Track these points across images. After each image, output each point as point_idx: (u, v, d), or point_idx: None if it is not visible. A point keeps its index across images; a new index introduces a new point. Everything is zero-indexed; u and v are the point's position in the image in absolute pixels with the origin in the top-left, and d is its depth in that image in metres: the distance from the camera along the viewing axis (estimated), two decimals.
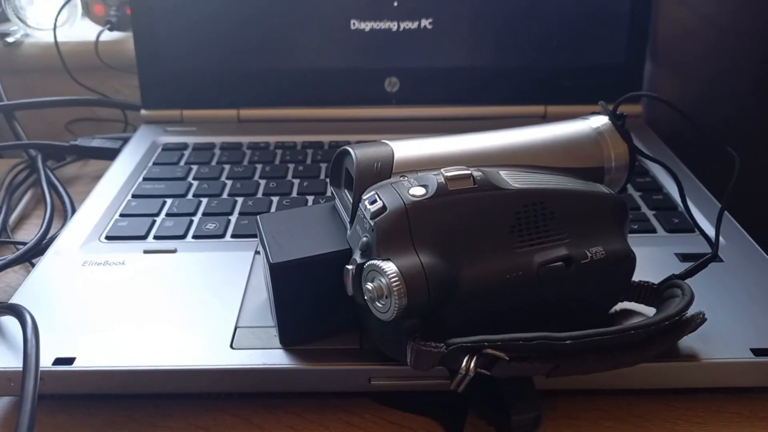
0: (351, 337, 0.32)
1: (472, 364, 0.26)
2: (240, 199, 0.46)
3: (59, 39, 0.67)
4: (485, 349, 0.26)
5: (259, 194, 0.47)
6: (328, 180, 0.48)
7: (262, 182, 0.48)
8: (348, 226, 0.30)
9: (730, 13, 0.48)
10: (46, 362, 0.30)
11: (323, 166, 0.51)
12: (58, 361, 0.31)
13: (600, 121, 0.34)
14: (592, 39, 0.56)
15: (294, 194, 0.47)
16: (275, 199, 0.46)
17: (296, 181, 0.48)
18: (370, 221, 0.27)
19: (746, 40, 0.47)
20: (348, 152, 0.31)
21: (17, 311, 0.30)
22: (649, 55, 0.57)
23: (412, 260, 0.26)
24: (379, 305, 0.26)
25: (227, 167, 0.50)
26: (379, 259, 0.26)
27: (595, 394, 0.32)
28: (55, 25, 0.67)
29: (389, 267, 0.26)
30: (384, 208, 0.27)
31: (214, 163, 0.51)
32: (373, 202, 0.28)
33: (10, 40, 0.69)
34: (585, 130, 0.33)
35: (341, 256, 0.29)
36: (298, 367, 0.31)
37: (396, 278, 0.25)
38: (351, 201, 0.30)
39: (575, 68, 0.57)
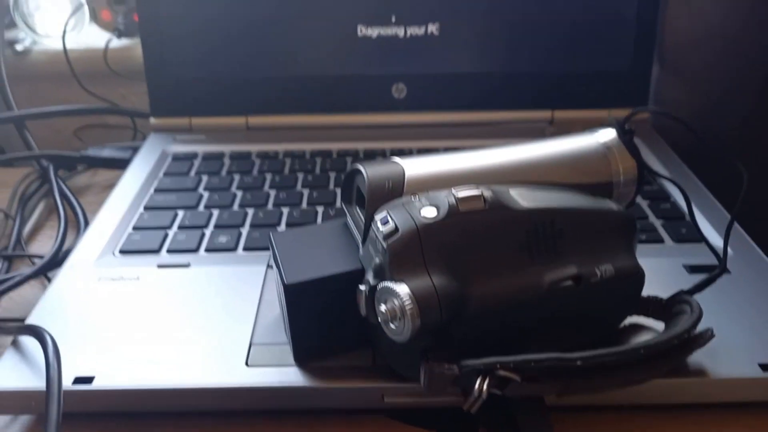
0: (364, 354, 0.32)
1: (485, 386, 0.26)
2: (251, 211, 0.46)
3: (67, 46, 0.67)
4: (497, 371, 0.26)
5: (270, 206, 0.47)
6: (338, 190, 0.49)
7: (272, 192, 0.49)
8: (360, 244, 0.31)
9: (737, 24, 0.48)
10: (66, 381, 0.31)
11: (332, 175, 0.51)
12: (78, 380, 0.31)
13: (608, 135, 0.34)
14: (600, 45, 0.56)
15: (304, 205, 0.47)
16: (285, 210, 0.47)
17: (305, 191, 0.49)
18: (383, 242, 0.28)
19: (753, 50, 0.47)
20: (359, 171, 0.31)
21: (38, 333, 0.31)
22: (656, 62, 0.57)
23: (424, 282, 0.27)
24: (393, 327, 0.27)
25: (237, 177, 0.51)
26: (392, 281, 0.27)
27: (604, 411, 0.33)
28: (64, 32, 0.67)
29: (402, 289, 0.26)
30: (396, 229, 0.27)
31: (224, 173, 0.52)
32: (386, 222, 0.28)
33: (18, 48, 0.70)
34: (593, 145, 0.33)
35: (354, 276, 0.30)
36: (312, 385, 0.31)
37: (409, 300, 0.26)
38: (362, 219, 0.31)
39: (582, 74, 0.57)
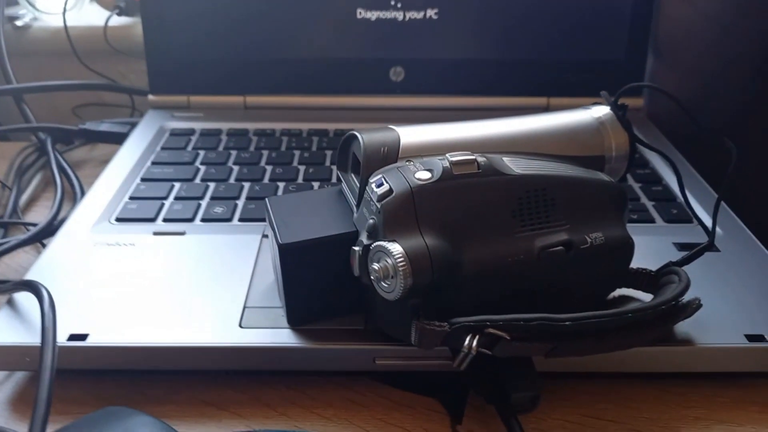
0: (356, 318, 0.33)
1: (475, 343, 0.27)
2: (247, 184, 0.47)
3: (68, 23, 0.67)
4: (487, 329, 0.27)
5: (266, 180, 0.48)
6: (333, 166, 0.49)
7: (269, 168, 0.49)
8: (354, 209, 0.31)
9: (733, 11, 0.49)
10: (60, 338, 0.31)
11: (328, 153, 0.51)
12: (72, 337, 0.32)
13: (602, 111, 0.34)
14: (595, 33, 0.57)
15: (300, 180, 0.48)
16: (281, 184, 0.47)
17: (302, 168, 0.49)
18: (377, 204, 0.28)
19: (748, 38, 0.47)
20: (355, 137, 0.32)
21: (34, 287, 0.31)
22: (651, 51, 0.58)
23: (417, 242, 0.27)
24: (385, 285, 0.27)
25: (234, 153, 0.51)
26: (385, 241, 0.27)
27: (590, 377, 0.33)
28: (64, 9, 0.68)
29: (395, 248, 0.27)
30: (390, 191, 0.28)
31: (221, 148, 0.52)
32: (380, 185, 0.28)
33: (19, 23, 0.70)
34: (587, 119, 0.34)
35: (348, 238, 0.30)
36: (304, 346, 0.32)
37: (402, 259, 0.26)
38: (358, 185, 0.31)
39: (578, 62, 0.58)
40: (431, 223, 0.28)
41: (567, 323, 0.27)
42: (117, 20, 0.70)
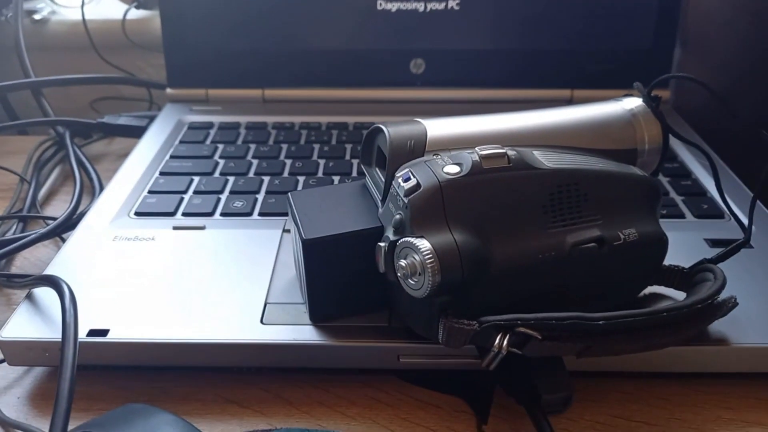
0: (380, 315, 0.32)
1: (505, 343, 0.26)
2: (266, 178, 0.46)
3: (86, 17, 0.67)
4: (518, 328, 0.26)
5: (285, 173, 0.47)
6: (355, 161, 0.48)
7: (288, 162, 0.48)
8: (379, 204, 0.31)
9: (764, 1, 0.47)
10: (80, 334, 0.31)
11: (348, 147, 0.51)
12: (92, 333, 0.31)
13: (633, 102, 0.33)
14: (621, 23, 0.56)
15: (320, 174, 0.47)
16: (301, 178, 0.46)
17: (321, 162, 0.49)
18: (404, 199, 0.27)
19: None
20: (381, 130, 0.31)
21: (54, 282, 0.30)
22: (679, 43, 0.56)
23: (445, 238, 0.26)
24: (412, 282, 0.27)
25: (253, 146, 0.51)
26: (412, 237, 0.26)
27: (622, 377, 0.32)
28: (82, 2, 0.67)
29: (423, 244, 0.26)
30: (418, 185, 0.27)
31: (240, 142, 0.52)
32: (407, 179, 0.28)
33: (37, 17, 0.70)
34: (618, 111, 0.33)
35: (373, 234, 0.29)
36: (327, 343, 0.31)
37: (430, 255, 0.25)
38: (382, 179, 0.30)
39: (603, 52, 0.56)
40: (460, 218, 0.27)
41: (600, 322, 0.26)
42: (135, 13, 0.69)
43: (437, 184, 0.27)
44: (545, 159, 0.29)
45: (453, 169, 0.27)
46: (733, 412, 0.31)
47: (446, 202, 0.27)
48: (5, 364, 0.33)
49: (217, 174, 0.47)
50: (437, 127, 0.31)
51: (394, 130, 0.30)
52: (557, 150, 0.31)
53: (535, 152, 0.29)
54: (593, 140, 0.32)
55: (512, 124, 0.32)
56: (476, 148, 0.28)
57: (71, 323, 0.27)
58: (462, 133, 0.31)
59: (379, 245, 0.28)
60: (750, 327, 0.32)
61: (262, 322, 0.32)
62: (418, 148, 0.30)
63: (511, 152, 0.28)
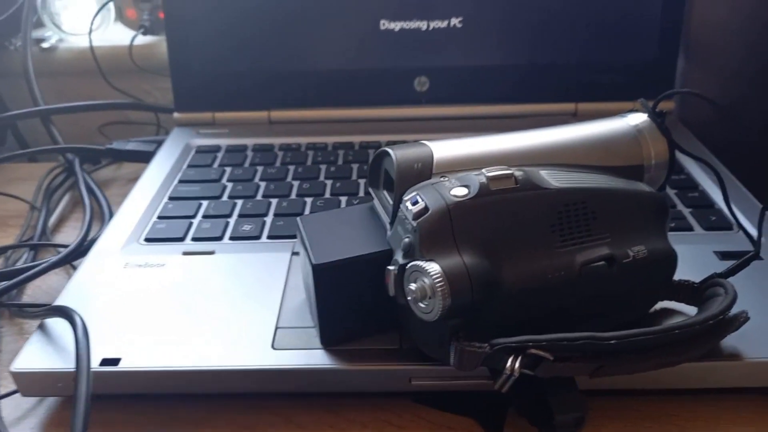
0: (391, 337, 0.32)
1: (517, 365, 0.26)
2: (274, 201, 0.46)
3: (93, 43, 0.68)
4: (530, 350, 0.26)
5: (293, 195, 0.47)
6: (362, 181, 0.49)
7: (296, 183, 0.49)
8: (388, 227, 0.31)
9: None
10: (92, 363, 0.31)
11: (355, 166, 0.51)
12: (105, 362, 0.31)
13: (639, 118, 0.33)
14: (624, 36, 0.56)
15: (327, 195, 0.47)
16: (309, 200, 0.46)
17: (329, 182, 0.49)
18: (413, 222, 0.27)
19: None
20: (387, 153, 0.31)
21: (66, 313, 0.31)
22: (683, 53, 0.56)
23: (455, 260, 0.26)
24: (423, 306, 0.27)
25: (260, 169, 0.51)
26: (422, 260, 0.26)
27: (636, 395, 0.32)
28: (90, 29, 0.68)
29: (433, 268, 0.26)
30: (426, 208, 0.27)
31: (247, 164, 0.52)
32: (415, 203, 0.28)
33: (45, 45, 0.70)
34: (624, 127, 0.33)
35: (382, 257, 0.29)
36: (339, 367, 0.31)
37: (440, 279, 0.26)
38: (390, 202, 0.31)
39: (606, 66, 0.57)
40: (469, 240, 0.27)
41: (612, 342, 0.26)
42: (141, 39, 0.70)
43: (445, 207, 0.27)
44: (552, 178, 0.29)
45: (461, 191, 0.28)
46: (746, 428, 0.31)
47: (455, 224, 0.27)
48: (18, 394, 0.33)
49: (225, 197, 0.47)
50: (444, 149, 0.31)
51: (400, 153, 0.30)
52: (564, 168, 0.31)
53: (542, 172, 0.29)
54: (600, 157, 0.32)
55: (518, 143, 0.32)
56: (483, 170, 0.28)
57: (84, 355, 0.28)
58: (468, 154, 0.31)
59: (389, 269, 0.28)
60: (762, 341, 0.31)
61: (273, 347, 0.32)
62: (425, 171, 0.30)
63: (518, 173, 0.28)
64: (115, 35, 0.71)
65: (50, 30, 0.71)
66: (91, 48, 0.68)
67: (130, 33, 0.70)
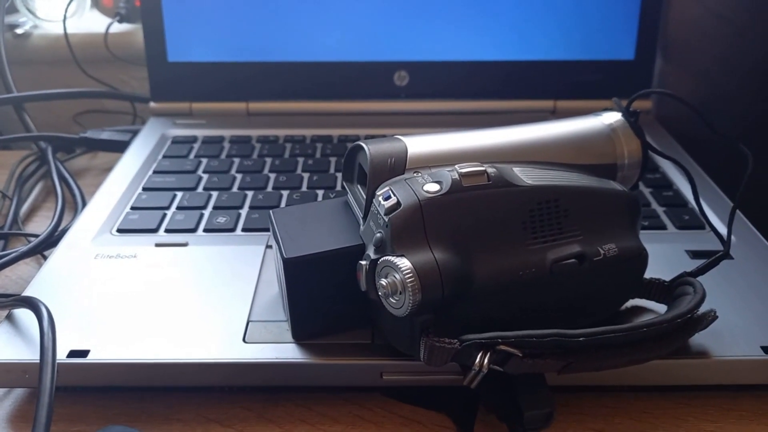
0: (363, 332, 0.32)
1: (486, 361, 0.26)
2: (250, 193, 0.46)
3: (68, 30, 0.67)
4: (499, 346, 0.26)
5: (269, 188, 0.47)
6: (338, 175, 0.48)
7: (272, 176, 0.48)
8: (361, 221, 0.31)
9: (746, 12, 0.47)
10: (60, 354, 0.30)
11: (332, 160, 0.51)
12: (73, 354, 0.31)
13: (613, 117, 0.34)
14: (603, 34, 0.56)
15: (304, 188, 0.47)
16: (285, 192, 0.46)
17: (306, 175, 0.48)
18: (384, 217, 0.27)
19: (764, 39, 0.46)
20: (361, 147, 0.31)
21: (33, 304, 0.30)
22: (660, 53, 0.57)
23: (426, 256, 0.26)
24: (393, 301, 0.27)
25: (237, 161, 0.50)
26: (393, 255, 0.26)
27: (605, 391, 0.33)
28: (64, 16, 0.67)
29: (403, 263, 0.26)
30: (398, 204, 0.27)
31: (223, 156, 0.51)
32: (387, 198, 0.28)
33: (19, 31, 0.69)
34: (598, 126, 0.33)
35: (354, 252, 0.29)
36: (310, 361, 0.31)
37: (410, 274, 0.26)
38: (364, 196, 0.30)
39: (585, 64, 0.57)
40: (440, 236, 0.27)
41: (581, 339, 0.26)
42: (118, 27, 0.69)
43: (417, 203, 0.27)
44: (525, 176, 0.29)
45: (433, 187, 0.28)
46: (714, 425, 0.31)
47: (426, 220, 0.27)
48: None
49: (200, 189, 0.47)
50: (418, 145, 0.31)
51: (374, 147, 0.30)
52: (537, 166, 0.31)
53: (515, 169, 0.29)
54: (573, 155, 0.32)
55: (492, 140, 0.32)
56: (456, 166, 0.28)
57: (49, 348, 0.27)
58: (442, 150, 0.31)
59: (360, 264, 0.28)
60: (731, 339, 0.32)
61: (244, 340, 0.32)
62: (398, 166, 0.30)
63: (490, 169, 0.28)
64: (91, 23, 0.70)
65: (24, 16, 0.70)
66: (66, 35, 0.66)
67: (106, 20, 0.69)
